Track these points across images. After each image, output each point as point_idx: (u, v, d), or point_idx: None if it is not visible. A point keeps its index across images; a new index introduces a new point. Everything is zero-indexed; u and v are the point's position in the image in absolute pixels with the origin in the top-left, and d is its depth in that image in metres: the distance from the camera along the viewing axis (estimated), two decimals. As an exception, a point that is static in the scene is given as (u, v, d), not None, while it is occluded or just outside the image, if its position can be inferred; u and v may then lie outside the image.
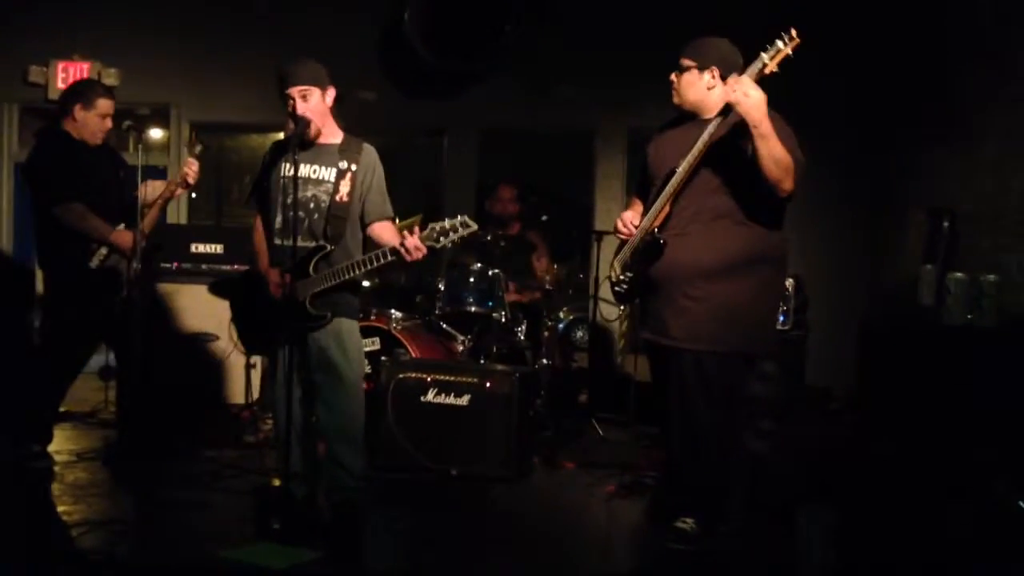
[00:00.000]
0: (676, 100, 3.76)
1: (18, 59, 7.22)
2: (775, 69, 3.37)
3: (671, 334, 3.68)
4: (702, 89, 3.68)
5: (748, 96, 3.40)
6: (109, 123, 4.68)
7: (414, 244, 3.59)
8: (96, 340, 4.86)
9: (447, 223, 3.60)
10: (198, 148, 4.68)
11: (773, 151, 3.47)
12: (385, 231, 3.87)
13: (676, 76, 3.73)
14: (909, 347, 4.70)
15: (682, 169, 3.62)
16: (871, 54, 6.39)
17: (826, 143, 6.30)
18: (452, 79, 7.19)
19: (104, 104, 4.66)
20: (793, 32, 3.33)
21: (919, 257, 5.25)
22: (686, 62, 3.69)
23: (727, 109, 3.52)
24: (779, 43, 3.35)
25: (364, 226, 3.90)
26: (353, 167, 3.83)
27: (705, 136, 3.56)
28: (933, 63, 5.84)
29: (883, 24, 6.34)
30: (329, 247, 3.77)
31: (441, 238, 3.59)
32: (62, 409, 5.02)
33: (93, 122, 4.64)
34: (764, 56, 3.38)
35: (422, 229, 3.62)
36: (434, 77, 7.13)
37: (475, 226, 3.60)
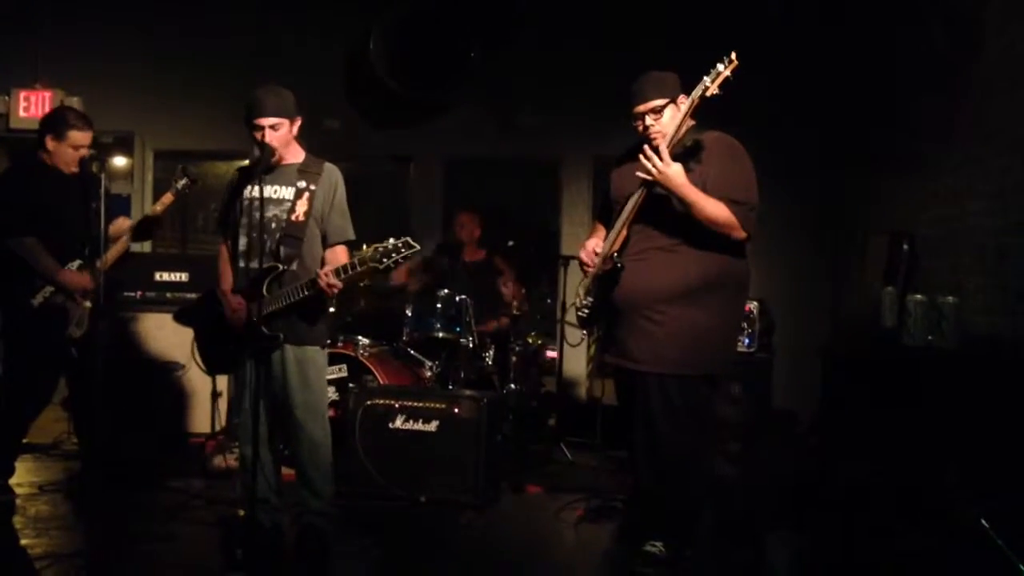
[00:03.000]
0: (659, 140, 3.64)
1: (-21, 88, 7.16)
2: (716, 91, 3.45)
3: (634, 357, 3.71)
4: (680, 118, 3.69)
5: (663, 173, 3.52)
6: (84, 152, 4.60)
7: (327, 282, 3.62)
8: (58, 374, 4.79)
9: (390, 244, 3.59)
10: (182, 182, 4.62)
11: (708, 214, 3.55)
12: (334, 257, 3.87)
13: (654, 119, 3.68)
14: (871, 369, 4.76)
15: (637, 194, 3.67)
16: (831, 83, 6.51)
17: (789, 170, 6.41)
18: (418, 107, 7.23)
19: (76, 136, 4.57)
20: (732, 55, 3.42)
21: (880, 280, 5.32)
22: (657, 103, 3.69)
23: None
24: (719, 66, 3.44)
25: (326, 247, 3.90)
26: (312, 187, 3.83)
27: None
28: (891, 91, 5.95)
29: (842, 54, 6.47)
30: (281, 267, 3.76)
31: (384, 259, 3.59)
32: (23, 441, 4.94)
33: (65, 153, 4.58)
34: (706, 80, 3.47)
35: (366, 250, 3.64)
36: (400, 105, 7.17)
37: (417, 246, 3.62)
